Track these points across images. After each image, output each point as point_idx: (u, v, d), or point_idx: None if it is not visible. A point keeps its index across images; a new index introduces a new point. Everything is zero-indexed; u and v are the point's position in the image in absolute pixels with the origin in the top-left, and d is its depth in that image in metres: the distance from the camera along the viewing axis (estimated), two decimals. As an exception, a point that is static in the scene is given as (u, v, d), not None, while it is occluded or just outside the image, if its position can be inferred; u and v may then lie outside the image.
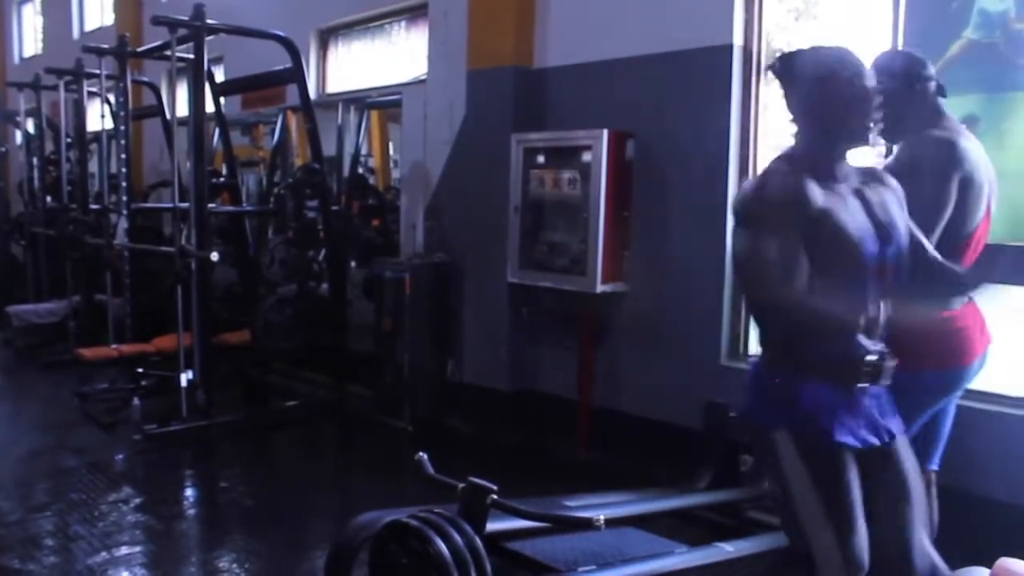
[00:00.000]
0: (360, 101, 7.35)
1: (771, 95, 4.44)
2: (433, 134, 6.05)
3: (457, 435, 5.55)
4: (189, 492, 4.81)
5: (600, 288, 4.81)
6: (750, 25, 4.41)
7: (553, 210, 5.13)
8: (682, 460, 4.40)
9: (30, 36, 15.07)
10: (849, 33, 4.20)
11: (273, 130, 8.19)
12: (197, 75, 5.42)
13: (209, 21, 5.40)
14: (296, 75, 5.98)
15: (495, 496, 2.80)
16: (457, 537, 2.61)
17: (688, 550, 3.15)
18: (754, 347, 4.54)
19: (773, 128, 4.45)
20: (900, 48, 3.04)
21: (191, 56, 5.51)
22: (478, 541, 2.64)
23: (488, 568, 2.59)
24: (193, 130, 5.46)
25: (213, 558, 3.78)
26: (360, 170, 7.72)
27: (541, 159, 5.13)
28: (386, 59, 7.13)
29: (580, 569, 2.80)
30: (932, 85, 2.87)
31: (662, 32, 4.63)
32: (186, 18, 5.32)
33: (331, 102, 7.56)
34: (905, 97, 2.81)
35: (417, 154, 6.23)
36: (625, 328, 4.99)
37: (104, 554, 3.69)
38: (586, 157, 4.81)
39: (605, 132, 4.69)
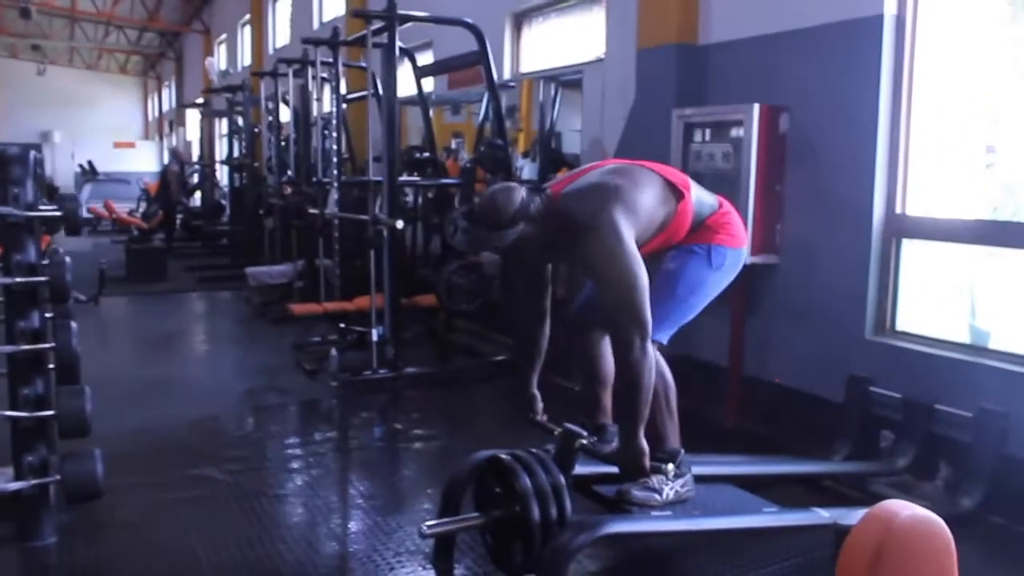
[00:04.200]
0: (549, 80, 7.70)
1: (925, 67, 4.33)
2: (609, 111, 6.30)
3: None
4: (368, 431, 5.48)
5: (751, 260, 4.88)
6: (903, -8, 4.31)
7: (710, 183, 5.17)
8: (825, 431, 4.45)
9: (282, 28, 16.77)
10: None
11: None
12: (389, 59, 5.98)
13: (401, 11, 5.93)
14: (482, 57, 6.41)
15: (583, 441, 3.10)
16: (542, 474, 2.92)
17: (777, 511, 3.24)
18: (901, 323, 4.48)
19: (927, 101, 4.33)
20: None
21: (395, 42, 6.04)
22: (562, 479, 2.94)
23: (567, 503, 2.87)
24: (386, 109, 6.04)
25: (374, 483, 4.38)
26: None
27: (698, 134, 5.25)
28: (572, 39, 7.44)
29: (653, 513, 3.03)
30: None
31: (816, 5, 4.62)
32: (381, 10, 5.90)
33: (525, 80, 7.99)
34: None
35: (595, 130, 6.51)
36: (776, 300, 5.05)
37: (284, 475, 4.38)
38: (737, 132, 4.90)
39: (756, 107, 4.74)
